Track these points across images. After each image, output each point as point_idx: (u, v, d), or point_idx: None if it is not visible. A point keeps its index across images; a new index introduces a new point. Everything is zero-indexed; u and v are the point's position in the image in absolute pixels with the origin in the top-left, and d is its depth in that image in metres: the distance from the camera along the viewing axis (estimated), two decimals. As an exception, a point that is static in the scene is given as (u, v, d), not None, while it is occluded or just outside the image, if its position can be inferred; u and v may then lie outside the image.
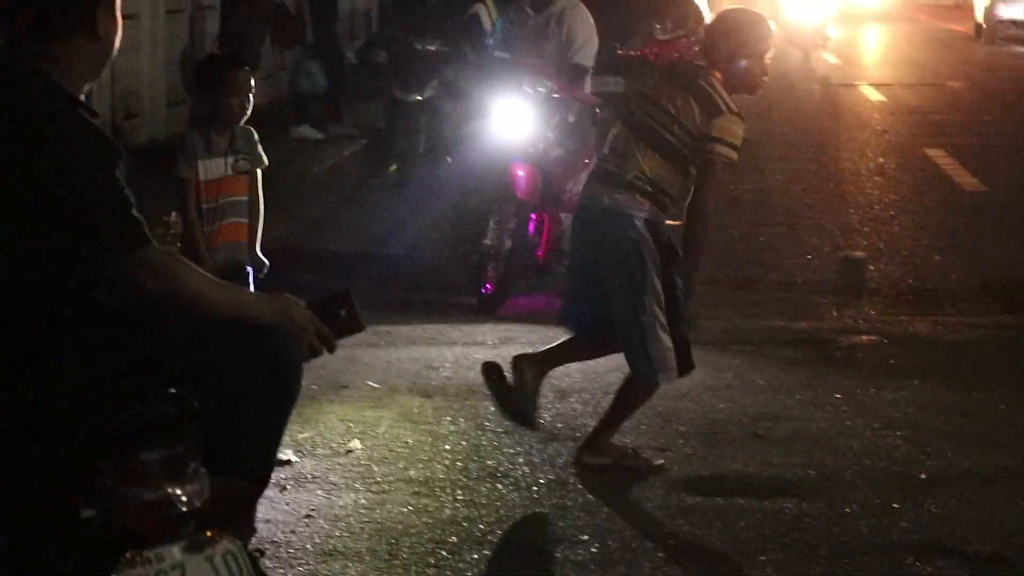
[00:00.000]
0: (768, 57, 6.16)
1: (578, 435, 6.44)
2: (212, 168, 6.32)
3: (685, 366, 6.03)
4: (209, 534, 3.66)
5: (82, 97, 3.85)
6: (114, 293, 3.78)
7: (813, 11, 30.66)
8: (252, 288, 6.25)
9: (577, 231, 6.37)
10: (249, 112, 6.36)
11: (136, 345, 3.80)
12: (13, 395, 3.72)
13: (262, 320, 3.84)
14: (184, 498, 3.56)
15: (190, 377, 3.75)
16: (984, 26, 34.97)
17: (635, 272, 5.93)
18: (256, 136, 6.41)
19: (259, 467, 4.00)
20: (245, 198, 6.44)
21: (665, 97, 5.99)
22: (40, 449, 3.69)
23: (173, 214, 6.24)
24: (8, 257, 3.73)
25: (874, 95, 21.46)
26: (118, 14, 3.91)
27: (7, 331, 3.73)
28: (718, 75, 5.99)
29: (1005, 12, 34.58)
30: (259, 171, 6.42)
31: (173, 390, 3.68)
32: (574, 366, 7.51)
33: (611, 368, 7.45)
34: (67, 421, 3.69)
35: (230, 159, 6.35)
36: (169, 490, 3.54)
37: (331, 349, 3.92)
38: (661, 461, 6.13)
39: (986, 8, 35.08)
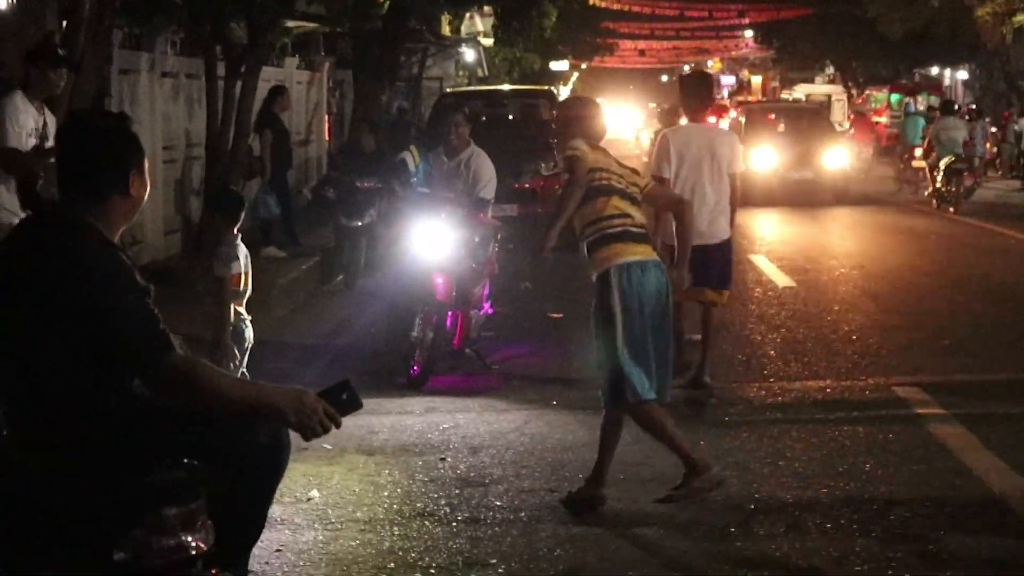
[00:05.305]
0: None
1: (487, 482, 6.46)
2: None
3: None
4: (214, 572, 3.73)
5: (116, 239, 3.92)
6: (146, 388, 3.81)
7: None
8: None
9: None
10: None
11: (161, 427, 3.84)
12: (65, 466, 3.75)
13: (279, 407, 3.82)
14: (195, 544, 3.64)
15: (203, 450, 3.84)
16: None
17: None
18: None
19: (256, 522, 4.08)
20: None
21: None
22: (85, 507, 3.72)
23: None
24: (67, 364, 3.76)
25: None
26: (147, 177, 4.00)
27: (65, 421, 3.77)
28: None
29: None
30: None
31: (187, 460, 3.77)
32: (483, 427, 7.56)
33: (512, 428, 7.52)
34: (106, 484, 3.73)
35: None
36: (184, 538, 3.62)
37: (338, 425, 3.92)
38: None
39: None
